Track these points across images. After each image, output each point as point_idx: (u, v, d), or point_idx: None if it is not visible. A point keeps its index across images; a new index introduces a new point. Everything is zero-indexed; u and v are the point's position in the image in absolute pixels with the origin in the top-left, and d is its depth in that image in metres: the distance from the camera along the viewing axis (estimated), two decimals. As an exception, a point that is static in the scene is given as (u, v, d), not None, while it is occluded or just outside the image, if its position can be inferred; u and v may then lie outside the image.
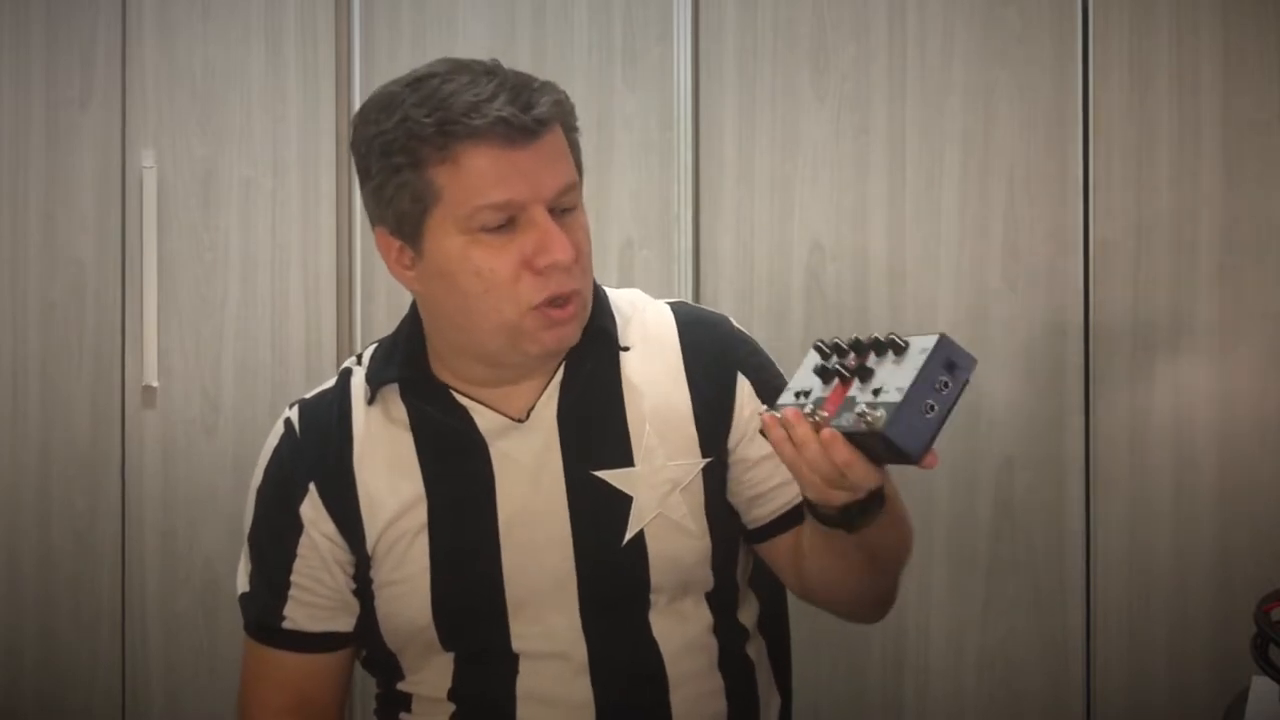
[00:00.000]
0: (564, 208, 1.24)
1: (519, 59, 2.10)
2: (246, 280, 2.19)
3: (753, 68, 2.04)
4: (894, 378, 1.06)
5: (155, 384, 2.19)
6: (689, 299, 2.01)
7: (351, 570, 1.32)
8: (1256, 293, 1.88)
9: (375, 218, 1.29)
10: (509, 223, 1.21)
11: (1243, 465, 1.88)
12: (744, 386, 1.33)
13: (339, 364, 2.16)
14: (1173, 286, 1.90)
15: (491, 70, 1.23)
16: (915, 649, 1.97)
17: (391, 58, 2.15)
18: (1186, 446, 1.89)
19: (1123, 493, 1.91)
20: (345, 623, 1.34)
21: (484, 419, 1.29)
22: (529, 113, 1.19)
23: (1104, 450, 1.91)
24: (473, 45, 2.12)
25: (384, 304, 2.15)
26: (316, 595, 1.32)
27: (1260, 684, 1.34)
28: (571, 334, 1.26)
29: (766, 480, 1.32)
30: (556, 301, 1.22)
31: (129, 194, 2.21)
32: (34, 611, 2.24)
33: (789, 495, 1.31)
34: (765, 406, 1.15)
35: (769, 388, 1.31)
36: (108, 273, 2.22)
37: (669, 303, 1.38)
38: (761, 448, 1.29)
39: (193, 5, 2.20)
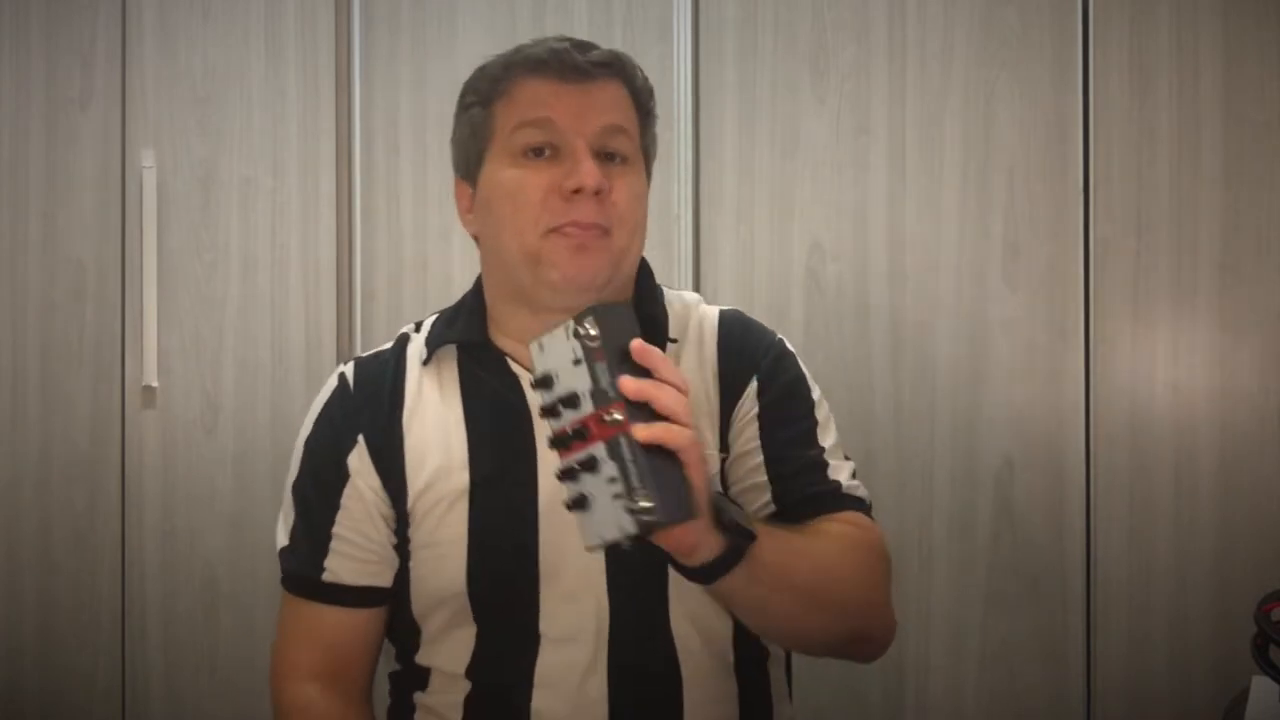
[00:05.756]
0: (612, 153, 1.29)
1: (519, 59, 2.10)
2: (246, 280, 2.19)
3: (753, 68, 2.04)
4: (563, 357, 1.07)
5: (155, 384, 2.19)
6: (689, 299, 2.01)
7: (393, 525, 1.32)
8: (1256, 292, 1.88)
9: (454, 166, 1.37)
10: (551, 153, 1.27)
11: (1243, 465, 1.88)
12: (752, 387, 1.34)
13: (339, 364, 2.16)
14: (1173, 286, 1.90)
15: (572, 38, 1.33)
16: (915, 649, 1.97)
17: (391, 58, 2.15)
18: (1186, 446, 1.89)
19: (1123, 492, 1.91)
20: (385, 577, 1.33)
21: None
22: (584, 55, 1.29)
23: (1104, 449, 1.92)
24: (473, 45, 2.13)
25: (384, 304, 2.15)
26: (358, 548, 1.32)
27: (1260, 684, 1.34)
28: (592, 268, 1.26)
29: (739, 483, 1.33)
30: (575, 228, 1.25)
31: (129, 194, 2.21)
32: (34, 611, 2.23)
33: (757, 502, 1.32)
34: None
35: (775, 385, 1.34)
36: (108, 273, 2.22)
37: (723, 309, 1.41)
38: (737, 447, 1.33)
39: (193, 6, 2.20)
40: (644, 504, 1.01)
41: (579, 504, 1.06)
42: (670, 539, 1.09)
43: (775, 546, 1.18)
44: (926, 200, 1.98)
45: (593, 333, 1.05)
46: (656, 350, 1.07)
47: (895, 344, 1.98)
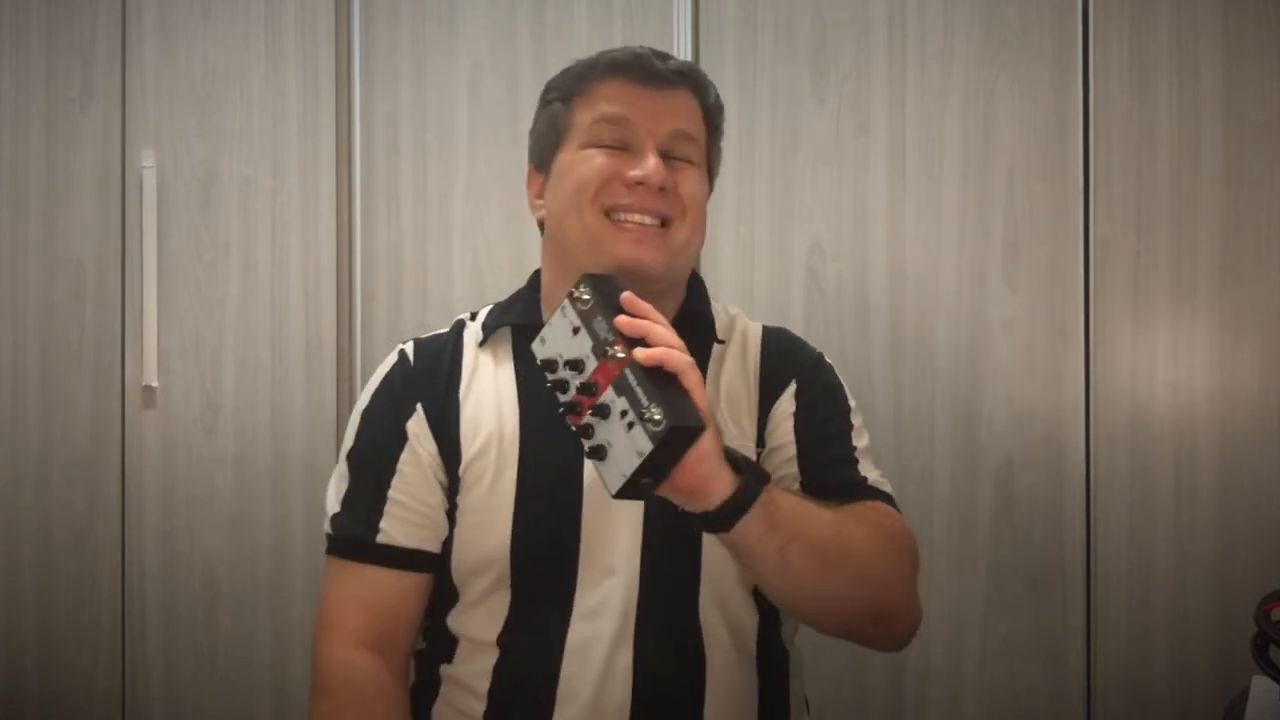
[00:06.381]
0: (678, 157, 1.36)
1: (519, 59, 2.10)
2: (246, 280, 2.19)
3: (753, 68, 2.04)
4: (562, 332, 1.16)
5: (155, 384, 2.19)
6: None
7: (447, 490, 1.37)
8: (1256, 292, 1.88)
9: (529, 156, 1.45)
10: (623, 147, 1.35)
11: (1243, 465, 1.88)
12: (791, 388, 1.41)
13: (339, 364, 2.17)
14: (1173, 286, 1.90)
15: (654, 49, 1.41)
16: (915, 649, 1.97)
17: (391, 58, 2.15)
18: (1186, 446, 1.89)
19: (1123, 492, 1.91)
20: (434, 543, 1.37)
21: None
22: (664, 63, 1.37)
23: (1104, 449, 1.92)
24: (473, 45, 2.13)
25: (384, 304, 2.15)
26: (412, 511, 1.36)
27: (1260, 684, 1.34)
28: (650, 258, 1.33)
29: (772, 475, 1.35)
30: (635, 216, 1.32)
31: (129, 194, 2.21)
32: (34, 611, 2.23)
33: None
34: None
35: (813, 388, 1.40)
36: (108, 273, 2.22)
37: (768, 324, 1.49)
38: (772, 442, 1.38)
39: (193, 6, 2.20)
40: (655, 414, 1.07)
41: (597, 454, 1.11)
42: (683, 475, 1.11)
43: (791, 500, 1.21)
44: (926, 200, 1.98)
45: (585, 295, 1.14)
46: (643, 303, 1.15)
47: (895, 344, 1.98)
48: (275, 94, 2.18)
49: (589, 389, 1.11)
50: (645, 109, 1.35)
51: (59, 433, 2.23)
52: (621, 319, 1.13)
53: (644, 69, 1.36)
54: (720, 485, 1.13)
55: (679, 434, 1.07)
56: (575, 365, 1.13)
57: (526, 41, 2.11)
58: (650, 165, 1.33)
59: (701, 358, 1.39)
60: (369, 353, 2.14)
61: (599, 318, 1.13)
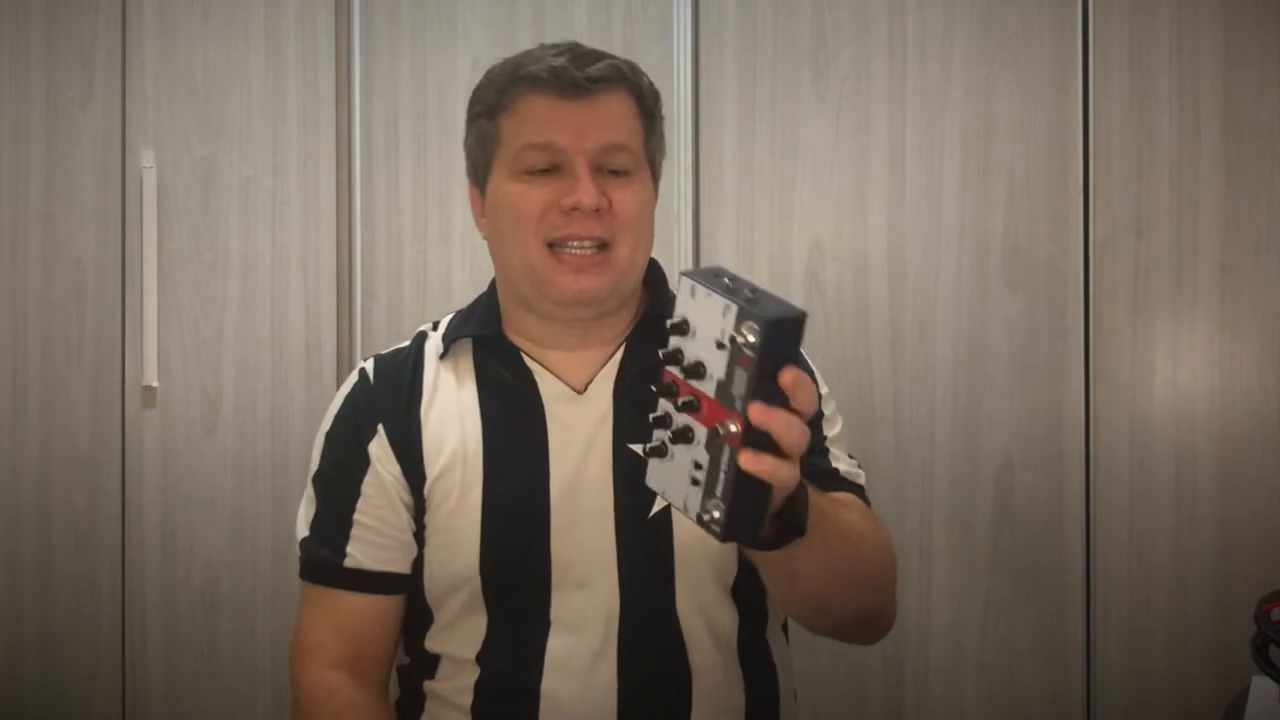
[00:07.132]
0: (614, 168, 1.31)
1: (519, 59, 2.10)
2: (246, 280, 2.19)
3: (753, 68, 2.04)
4: (711, 326, 0.98)
5: (155, 384, 2.19)
6: (689, 299, 2.01)
7: (413, 511, 1.35)
8: (1256, 292, 1.88)
9: (467, 172, 1.40)
10: (554, 169, 1.30)
11: (1243, 465, 1.88)
12: None
13: (339, 364, 2.17)
14: (1173, 286, 1.90)
15: (577, 46, 1.35)
16: (915, 649, 1.97)
17: (391, 58, 2.15)
18: (1187, 446, 1.90)
19: (1123, 492, 1.91)
20: (404, 564, 1.35)
21: (547, 385, 1.34)
22: (583, 70, 1.30)
23: (1104, 449, 1.92)
24: (473, 45, 2.13)
25: (384, 304, 2.15)
26: (379, 534, 1.35)
27: (1260, 684, 1.34)
28: (592, 286, 1.29)
29: None
30: (574, 245, 1.29)
31: (129, 194, 2.21)
32: (34, 611, 2.23)
33: None
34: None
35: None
36: (108, 273, 2.22)
37: None
38: None
39: (193, 6, 2.20)
40: (715, 514, 0.97)
41: (657, 451, 1.02)
42: None
43: (827, 520, 1.13)
44: (926, 200, 1.98)
45: (750, 340, 0.96)
46: (807, 383, 0.97)
47: (895, 344, 1.98)
48: (275, 94, 2.18)
49: (692, 405, 0.99)
50: (570, 126, 1.29)
51: (59, 432, 2.23)
52: (756, 410, 0.94)
53: (562, 81, 1.29)
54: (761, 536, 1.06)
55: (730, 534, 0.98)
56: (695, 370, 0.99)
57: (526, 41, 2.09)
58: (582, 190, 1.28)
59: None
60: (369, 353, 2.13)
61: (745, 370, 0.96)
